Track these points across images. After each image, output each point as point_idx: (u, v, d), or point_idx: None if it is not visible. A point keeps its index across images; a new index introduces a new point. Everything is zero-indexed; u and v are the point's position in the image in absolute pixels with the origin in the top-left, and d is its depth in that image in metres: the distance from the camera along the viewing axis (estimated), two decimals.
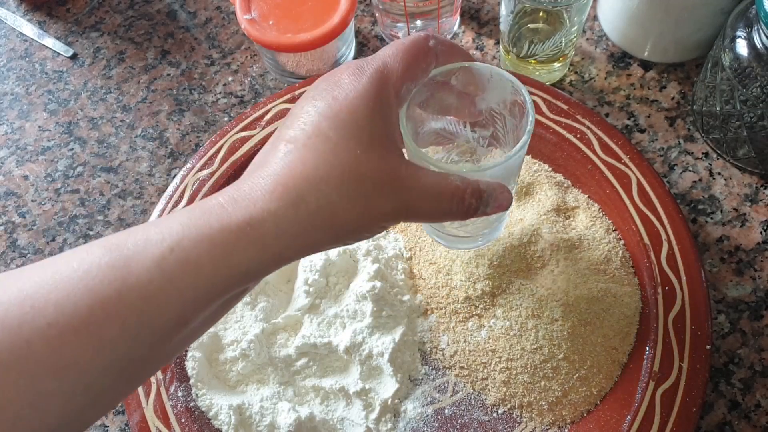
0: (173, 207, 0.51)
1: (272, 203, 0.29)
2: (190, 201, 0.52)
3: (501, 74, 0.36)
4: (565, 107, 0.52)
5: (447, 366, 0.49)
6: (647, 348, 0.45)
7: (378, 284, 0.48)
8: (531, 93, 0.52)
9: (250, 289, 0.32)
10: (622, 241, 0.49)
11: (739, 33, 0.48)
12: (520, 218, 0.50)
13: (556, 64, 0.57)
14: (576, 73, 0.60)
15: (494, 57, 0.62)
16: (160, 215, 0.51)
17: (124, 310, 0.27)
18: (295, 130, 0.31)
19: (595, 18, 0.62)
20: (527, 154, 0.54)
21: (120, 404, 0.51)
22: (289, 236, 0.29)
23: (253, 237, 0.29)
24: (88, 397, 0.28)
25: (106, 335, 0.27)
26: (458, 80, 0.38)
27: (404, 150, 0.36)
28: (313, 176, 0.30)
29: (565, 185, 0.52)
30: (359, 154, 0.31)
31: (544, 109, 0.52)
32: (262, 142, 0.53)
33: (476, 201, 0.33)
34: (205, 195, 0.52)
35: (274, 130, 0.53)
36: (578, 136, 0.51)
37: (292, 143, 0.31)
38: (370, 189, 0.31)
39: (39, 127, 0.64)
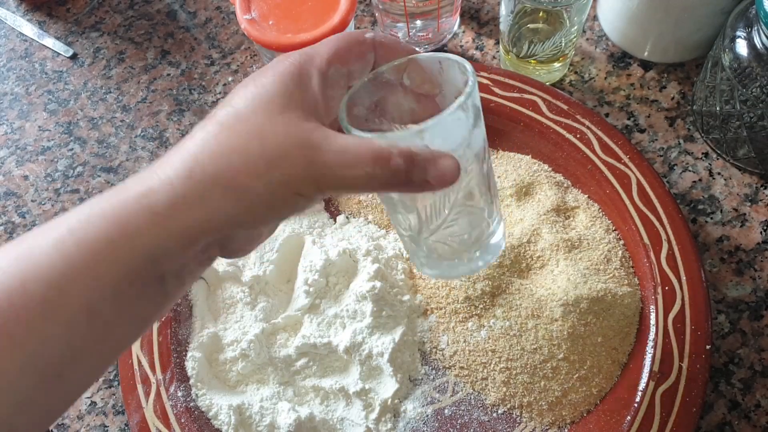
0: None
1: (169, 171, 0.28)
2: None
3: (448, 58, 0.33)
4: (565, 107, 0.52)
5: (447, 366, 0.48)
6: (647, 348, 0.45)
7: (378, 284, 0.48)
8: (531, 93, 0.52)
9: (169, 281, 0.29)
10: (621, 241, 0.49)
11: (739, 33, 0.48)
12: (520, 218, 0.50)
13: (556, 64, 0.57)
14: (576, 73, 0.60)
15: (494, 57, 0.62)
16: None
17: (29, 300, 0.26)
18: (215, 112, 0.31)
19: (595, 18, 0.62)
20: (527, 153, 0.54)
21: (122, 405, 0.51)
22: (185, 204, 0.28)
23: (146, 206, 0.27)
24: (13, 403, 0.26)
25: (14, 330, 0.25)
26: (411, 79, 0.35)
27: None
28: (214, 144, 0.29)
29: (565, 185, 0.52)
30: (266, 120, 0.29)
31: (544, 109, 0.52)
32: None
33: (406, 163, 0.29)
34: None
35: None
36: (578, 136, 0.51)
37: (206, 121, 0.30)
38: (274, 150, 0.29)
39: (39, 127, 0.64)
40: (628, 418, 0.43)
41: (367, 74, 0.34)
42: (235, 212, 0.28)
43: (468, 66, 0.32)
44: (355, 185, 0.30)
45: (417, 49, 0.36)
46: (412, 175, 0.29)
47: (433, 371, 0.49)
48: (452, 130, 0.32)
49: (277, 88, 0.30)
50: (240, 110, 0.30)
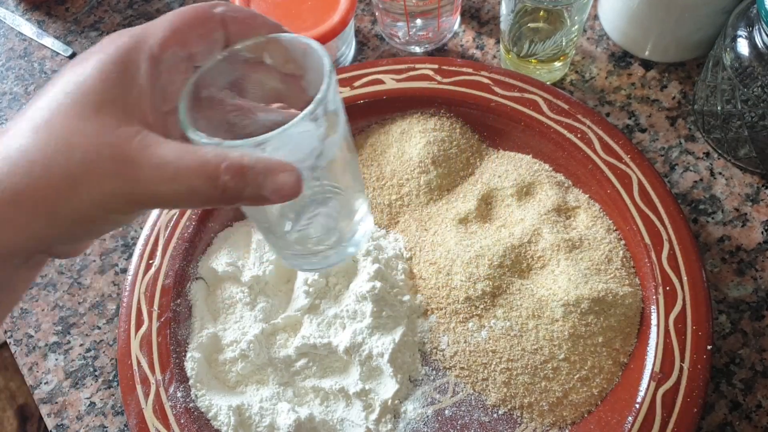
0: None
1: None
2: None
3: (311, 46, 0.30)
4: (566, 107, 0.52)
5: (447, 366, 0.48)
6: (648, 348, 0.45)
7: (378, 284, 0.48)
8: (532, 92, 0.52)
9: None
10: (622, 241, 0.49)
11: (740, 32, 0.48)
12: (520, 218, 0.50)
13: (557, 64, 0.57)
14: (577, 72, 0.60)
15: (495, 56, 0.62)
16: (159, 215, 0.51)
17: None
18: (32, 101, 0.27)
19: (595, 17, 0.62)
20: (528, 153, 0.53)
21: (121, 405, 0.51)
22: None
23: None
24: None
25: None
26: (273, 58, 0.32)
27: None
28: (17, 154, 0.25)
29: (566, 185, 0.52)
30: (76, 124, 0.26)
31: (545, 108, 0.52)
32: None
33: (234, 180, 0.26)
34: None
35: None
36: (579, 135, 0.51)
37: (20, 116, 0.27)
38: (80, 166, 0.25)
39: None
40: (629, 418, 0.43)
41: (220, 52, 0.31)
42: (44, 233, 0.26)
43: (326, 64, 0.29)
44: (176, 201, 0.27)
45: (280, 25, 0.32)
46: (243, 192, 0.26)
47: (434, 372, 0.49)
48: (299, 142, 0.28)
49: (96, 82, 0.27)
50: (52, 107, 0.26)
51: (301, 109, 0.29)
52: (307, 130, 0.28)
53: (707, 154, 0.56)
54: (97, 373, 0.52)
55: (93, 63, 0.27)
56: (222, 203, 0.27)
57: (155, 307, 0.48)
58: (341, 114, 0.30)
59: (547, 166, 0.53)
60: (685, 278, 0.46)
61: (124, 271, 0.56)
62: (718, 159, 0.55)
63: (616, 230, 0.50)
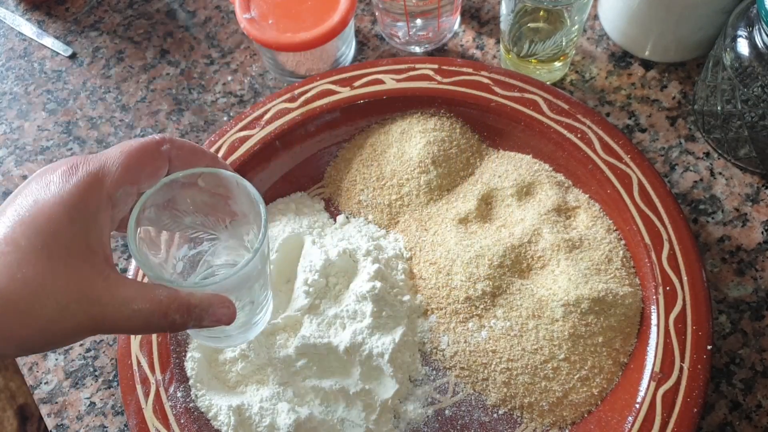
0: None
1: None
2: None
3: (245, 186, 0.36)
4: (566, 107, 0.52)
5: (447, 366, 0.48)
6: (648, 348, 0.45)
7: (378, 284, 0.48)
8: (532, 92, 0.52)
9: None
10: (623, 241, 0.49)
11: (740, 32, 0.48)
12: (520, 218, 0.50)
13: (557, 64, 0.57)
14: (577, 72, 0.60)
15: (495, 56, 0.62)
16: None
17: None
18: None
19: (595, 17, 0.62)
20: (528, 153, 0.53)
21: (121, 405, 0.51)
22: None
23: None
24: None
25: None
26: (206, 182, 0.37)
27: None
28: None
29: (566, 185, 0.52)
30: (46, 264, 0.29)
31: (545, 108, 0.52)
32: (262, 142, 0.53)
33: (182, 317, 0.32)
34: None
35: (273, 130, 0.53)
36: (579, 135, 0.51)
37: None
38: (54, 306, 0.29)
39: (38, 126, 0.63)
40: (629, 418, 0.43)
41: (162, 181, 0.35)
42: (13, 353, 0.31)
43: (262, 212, 0.35)
44: (134, 331, 0.33)
45: (217, 157, 0.38)
46: (187, 324, 0.33)
47: (434, 372, 0.49)
48: (239, 280, 0.35)
49: (62, 221, 0.30)
50: (20, 244, 0.29)
51: (220, 218, 0.39)
52: (245, 273, 0.35)
53: (707, 154, 0.56)
54: (97, 373, 0.52)
55: (56, 204, 0.30)
56: (168, 331, 0.33)
57: None
58: (266, 250, 0.37)
59: (547, 166, 0.53)
60: (685, 278, 0.46)
61: (124, 271, 0.56)
62: (718, 159, 0.55)
63: (616, 230, 0.50)
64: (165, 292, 0.32)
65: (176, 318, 0.32)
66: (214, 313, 0.33)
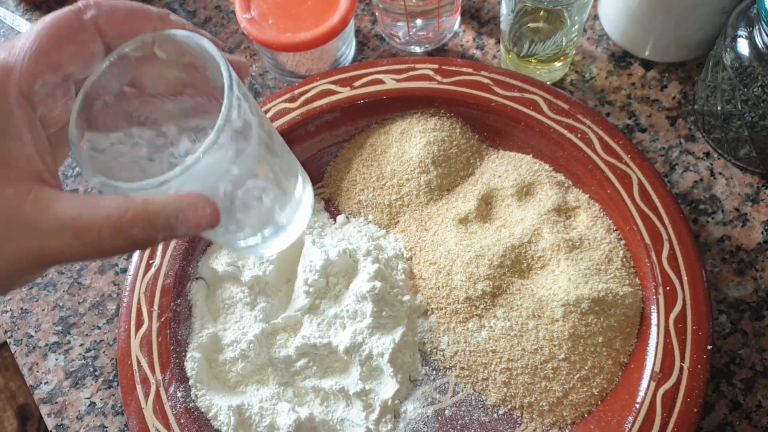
0: None
1: None
2: None
3: (203, 46, 0.27)
4: (566, 107, 0.52)
5: (447, 366, 0.48)
6: (648, 348, 0.45)
7: (378, 284, 0.48)
8: (532, 92, 0.52)
9: None
10: (623, 241, 0.49)
11: (740, 32, 0.48)
12: (520, 218, 0.50)
13: (557, 64, 0.57)
14: (577, 72, 0.60)
15: (495, 56, 0.62)
16: None
17: None
18: None
19: (595, 17, 0.62)
20: (528, 153, 0.53)
21: (121, 405, 0.51)
22: None
23: None
24: None
25: None
26: (165, 51, 0.29)
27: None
28: None
29: (566, 185, 0.52)
30: None
31: (545, 108, 0.52)
32: None
33: (143, 231, 0.25)
34: None
35: None
36: (579, 135, 0.51)
37: None
38: None
39: None
40: (630, 418, 0.43)
41: (104, 59, 0.28)
42: None
43: (225, 76, 0.26)
44: (87, 256, 0.26)
45: (167, 13, 0.29)
46: (157, 238, 0.26)
47: (434, 372, 0.49)
48: (208, 172, 0.26)
49: None
50: None
51: (210, 97, 0.29)
52: (214, 159, 0.26)
53: (707, 154, 0.56)
54: (97, 373, 0.52)
55: None
56: (138, 249, 0.27)
57: (155, 307, 0.48)
58: (254, 124, 0.28)
59: (547, 166, 0.53)
60: (685, 278, 0.46)
61: (124, 271, 0.56)
62: (718, 159, 0.55)
63: (616, 230, 0.50)
64: (114, 202, 0.25)
65: (136, 233, 0.25)
66: (187, 218, 0.26)
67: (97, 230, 0.25)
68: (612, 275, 0.47)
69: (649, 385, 0.43)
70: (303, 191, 0.34)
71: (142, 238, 0.25)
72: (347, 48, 0.61)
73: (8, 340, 0.54)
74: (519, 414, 0.46)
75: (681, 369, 0.43)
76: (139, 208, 0.25)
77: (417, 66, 0.54)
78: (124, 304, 0.49)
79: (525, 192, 0.52)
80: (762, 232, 0.52)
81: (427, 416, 0.47)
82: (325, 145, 0.56)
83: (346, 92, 0.54)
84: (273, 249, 0.35)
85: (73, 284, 0.56)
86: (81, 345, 0.54)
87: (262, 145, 0.29)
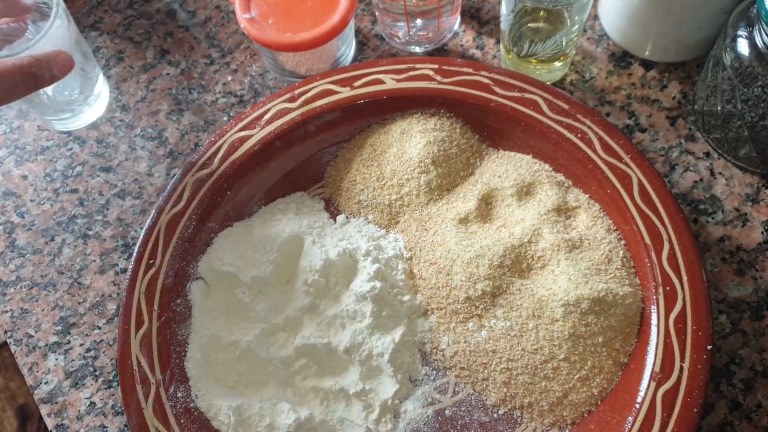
0: (172, 207, 0.51)
1: None
2: (189, 201, 0.51)
3: None
4: (566, 107, 0.52)
5: (447, 366, 0.48)
6: (648, 348, 0.45)
7: (378, 284, 0.48)
8: (532, 93, 0.52)
9: None
10: (623, 241, 0.49)
11: (740, 32, 0.48)
12: (520, 218, 0.50)
13: (557, 64, 0.57)
14: (577, 72, 0.60)
15: (495, 56, 0.62)
16: (159, 215, 0.51)
17: None
18: None
19: (595, 17, 0.62)
20: (528, 153, 0.53)
21: (121, 405, 0.51)
22: None
23: None
24: None
25: None
26: None
27: None
28: None
29: (566, 185, 0.52)
30: None
31: (545, 108, 0.52)
32: (262, 142, 0.53)
33: (39, 68, 0.41)
34: (204, 194, 0.52)
35: (273, 130, 0.53)
36: (579, 135, 0.51)
37: None
38: None
39: (38, 126, 0.63)
40: (630, 418, 0.43)
41: None
42: None
43: None
44: (4, 99, 0.40)
45: None
46: (44, 75, 0.41)
47: (434, 372, 0.49)
48: (56, 37, 0.46)
49: None
50: None
51: (18, 14, 0.47)
52: (57, 26, 0.47)
53: (707, 154, 0.56)
54: (97, 373, 0.52)
55: None
56: (34, 88, 0.41)
57: (155, 307, 0.48)
58: (72, 21, 0.48)
59: (547, 166, 0.53)
60: (685, 278, 0.46)
61: (124, 271, 0.56)
62: (718, 159, 0.55)
63: (616, 230, 0.50)
64: (14, 58, 0.40)
65: (35, 70, 0.40)
66: (57, 59, 0.42)
67: (10, 72, 0.39)
68: (612, 275, 0.47)
69: (649, 385, 0.43)
70: (102, 88, 0.60)
71: (38, 75, 0.41)
72: (347, 48, 0.61)
73: (8, 340, 0.54)
74: (519, 414, 0.46)
75: (681, 369, 0.43)
76: (26, 58, 0.41)
77: (417, 66, 0.54)
78: (124, 304, 0.49)
79: (525, 192, 0.52)
80: (762, 232, 0.52)
81: (427, 416, 0.47)
82: (325, 145, 0.56)
83: (346, 92, 0.54)
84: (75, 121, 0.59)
85: (73, 284, 0.56)
86: (81, 345, 0.54)
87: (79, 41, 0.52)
